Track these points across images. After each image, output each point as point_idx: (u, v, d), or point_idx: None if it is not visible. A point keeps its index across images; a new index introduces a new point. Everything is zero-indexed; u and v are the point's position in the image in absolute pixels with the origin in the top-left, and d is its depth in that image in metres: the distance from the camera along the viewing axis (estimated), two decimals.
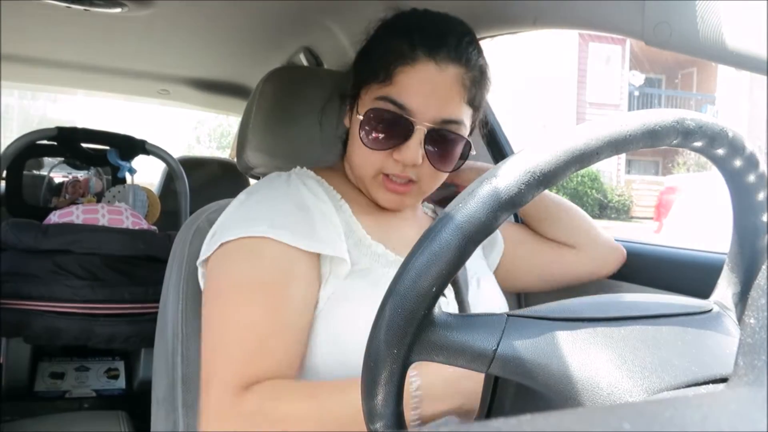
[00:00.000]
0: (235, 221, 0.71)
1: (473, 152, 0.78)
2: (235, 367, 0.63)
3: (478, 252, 0.90)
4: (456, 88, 0.73)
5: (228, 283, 0.68)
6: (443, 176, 0.78)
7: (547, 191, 0.95)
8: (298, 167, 0.83)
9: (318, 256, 0.69)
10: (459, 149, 0.76)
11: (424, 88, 0.72)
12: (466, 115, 0.75)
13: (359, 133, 0.74)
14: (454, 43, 0.73)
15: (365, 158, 0.76)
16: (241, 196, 0.76)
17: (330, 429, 0.60)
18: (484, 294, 0.83)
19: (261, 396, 0.62)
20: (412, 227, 0.84)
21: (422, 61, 0.72)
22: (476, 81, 0.75)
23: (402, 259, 0.71)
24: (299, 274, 0.68)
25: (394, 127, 0.73)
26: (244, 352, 0.64)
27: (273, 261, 0.67)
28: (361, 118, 0.74)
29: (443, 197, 0.97)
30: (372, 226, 0.77)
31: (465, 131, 0.76)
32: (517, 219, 1.15)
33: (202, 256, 0.75)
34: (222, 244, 0.70)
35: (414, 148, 0.72)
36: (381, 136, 0.73)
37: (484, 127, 0.86)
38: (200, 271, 0.78)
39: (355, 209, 0.77)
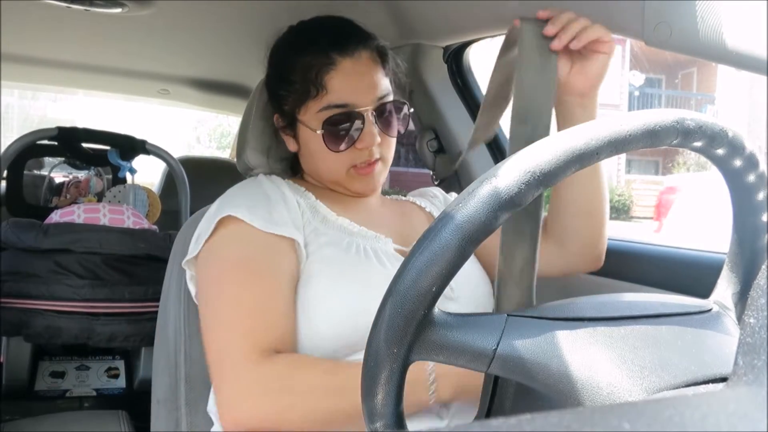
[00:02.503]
0: (205, 221, 0.79)
1: (411, 109, 0.87)
2: (249, 338, 0.68)
3: None
4: (375, 68, 0.83)
5: (220, 267, 0.75)
6: (394, 140, 0.86)
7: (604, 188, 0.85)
8: (272, 175, 0.90)
9: (293, 240, 0.76)
10: (399, 111, 0.85)
11: (353, 82, 0.80)
12: (388, 85, 0.85)
13: (326, 145, 0.81)
14: (352, 31, 0.84)
15: (334, 162, 0.83)
16: (213, 206, 0.82)
17: (345, 406, 0.63)
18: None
19: (282, 365, 0.67)
20: (380, 207, 0.91)
21: (338, 61, 0.80)
22: (382, 52, 0.85)
23: (366, 231, 0.80)
24: (277, 252, 0.74)
25: (350, 125, 0.80)
26: (253, 324, 0.69)
27: (252, 242, 0.74)
28: (321, 132, 0.81)
29: None
30: (336, 208, 0.84)
31: (394, 95, 0.85)
32: None
33: (189, 256, 0.79)
34: (206, 241, 0.77)
35: (371, 132, 0.80)
36: (343, 137, 0.81)
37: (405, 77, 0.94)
38: (188, 273, 0.82)
39: (320, 198, 0.85)
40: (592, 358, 0.42)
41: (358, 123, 0.80)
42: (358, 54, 0.81)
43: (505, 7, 0.99)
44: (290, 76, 0.83)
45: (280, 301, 0.72)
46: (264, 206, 0.77)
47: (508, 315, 0.45)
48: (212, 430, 0.78)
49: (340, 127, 0.80)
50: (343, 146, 0.81)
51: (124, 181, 1.80)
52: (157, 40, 1.64)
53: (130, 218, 1.50)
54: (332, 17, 0.87)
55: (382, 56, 0.85)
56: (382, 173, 0.87)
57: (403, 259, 0.78)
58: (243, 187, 0.84)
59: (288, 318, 0.72)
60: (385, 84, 0.84)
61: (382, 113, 0.82)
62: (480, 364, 0.44)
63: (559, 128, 0.86)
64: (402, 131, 0.86)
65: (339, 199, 0.87)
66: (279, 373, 0.66)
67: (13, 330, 1.32)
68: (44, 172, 2.17)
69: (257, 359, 0.66)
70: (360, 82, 0.81)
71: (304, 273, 0.76)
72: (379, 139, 0.82)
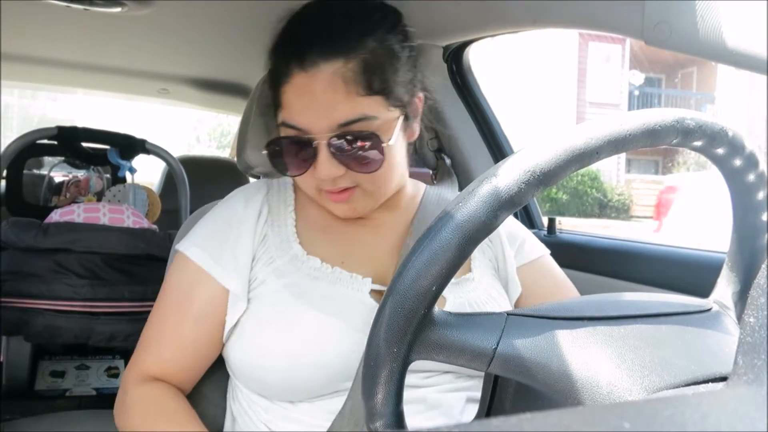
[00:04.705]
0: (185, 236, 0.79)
1: (390, 142, 0.69)
2: (141, 358, 0.74)
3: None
4: (337, 87, 0.65)
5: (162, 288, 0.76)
6: (384, 173, 0.70)
7: None
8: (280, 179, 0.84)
9: (227, 290, 0.71)
10: (374, 145, 0.68)
11: (304, 102, 0.66)
12: (371, 107, 0.67)
13: (273, 166, 0.72)
14: (321, 39, 0.66)
15: (299, 180, 0.73)
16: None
17: None
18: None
19: (147, 397, 0.71)
20: (380, 236, 0.77)
21: (295, 74, 0.66)
22: (367, 65, 0.66)
23: (340, 271, 0.71)
24: (200, 291, 0.71)
25: (297, 151, 0.69)
26: (147, 346, 0.75)
27: (182, 275, 0.73)
28: (264, 151, 0.72)
29: None
30: (315, 240, 0.74)
31: (380, 122, 0.68)
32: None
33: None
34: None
35: (325, 164, 0.67)
36: (291, 162, 0.70)
37: (427, 100, 0.77)
38: None
39: (303, 222, 0.76)
40: (592, 357, 0.42)
41: (308, 152, 0.68)
42: (316, 69, 0.65)
43: (505, 7, 0.99)
44: (269, 72, 0.73)
45: (186, 338, 0.72)
46: (218, 241, 0.72)
47: (508, 314, 0.45)
48: (225, 429, 0.78)
49: (287, 152, 0.69)
50: (294, 171, 0.70)
51: (123, 180, 1.80)
52: (156, 39, 1.64)
53: (129, 218, 1.50)
54: (335, 4, 0.70)
55: (364, 69, 0.66)
56: (364, 200, 0.73)
57: (377, 305, 0.67)
58: (217, 211, 0.77)
59: (185, 355, 0.72)
60: (353, 108, 0.66)
61: (344, 145, 0.67)
62: (480, 363, 0.44)
63: None
64: (376, 168, 0.69)
65: (324, 221, 0.77)
66: (139, 398, 0.70)
67: (13, 329, 1.32)
68: (44, 172, 2.17)
69: (138, 379, 0.72)
70: (312, 105, 0.66)
71: (250, 318, 0.70)
72: (340, 171, 0.68)
